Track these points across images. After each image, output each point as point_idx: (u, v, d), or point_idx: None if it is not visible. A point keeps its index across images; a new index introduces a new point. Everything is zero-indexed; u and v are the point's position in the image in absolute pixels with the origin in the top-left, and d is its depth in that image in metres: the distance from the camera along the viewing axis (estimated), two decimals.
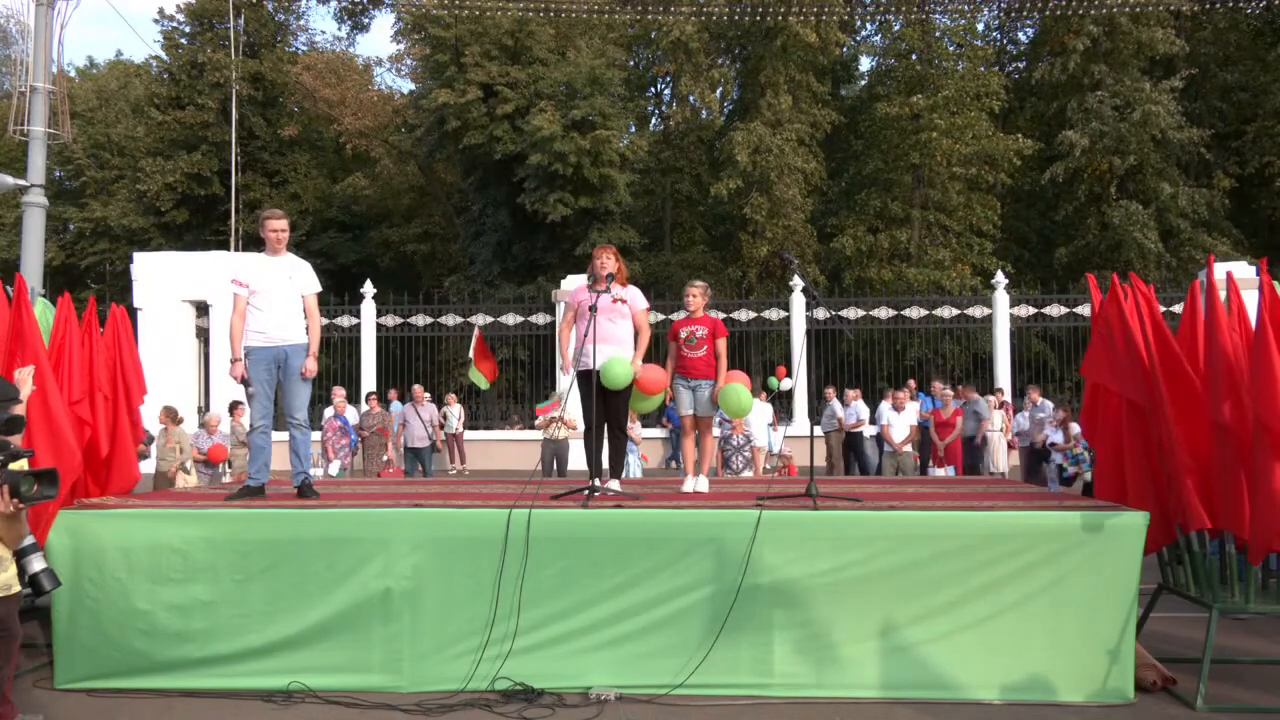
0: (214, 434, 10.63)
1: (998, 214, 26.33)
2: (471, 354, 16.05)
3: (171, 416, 10.13)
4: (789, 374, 16.02)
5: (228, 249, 24.24)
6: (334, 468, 12.17)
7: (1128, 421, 5.26)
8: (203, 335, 17.48)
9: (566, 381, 6.54)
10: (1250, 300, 4.99)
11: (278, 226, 5.82)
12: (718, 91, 28.27)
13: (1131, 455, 5.22)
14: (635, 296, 6.11)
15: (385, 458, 12.89)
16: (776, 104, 25.07)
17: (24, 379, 4.38)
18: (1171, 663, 5.15)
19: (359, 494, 6.18)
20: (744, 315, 18.23)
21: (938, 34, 26.97)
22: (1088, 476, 10.35)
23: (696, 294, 6.25)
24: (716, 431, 11.60)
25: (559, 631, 4.87)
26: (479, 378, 16.14)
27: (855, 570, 4.78)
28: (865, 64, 32.00)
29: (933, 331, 20.36)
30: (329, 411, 12.71)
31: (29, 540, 3.93)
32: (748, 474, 10.81)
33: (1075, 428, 10.67)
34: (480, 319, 18.05)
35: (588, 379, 5.87)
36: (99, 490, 5.79)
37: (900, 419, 11.81)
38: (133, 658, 4.99)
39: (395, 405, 15.17)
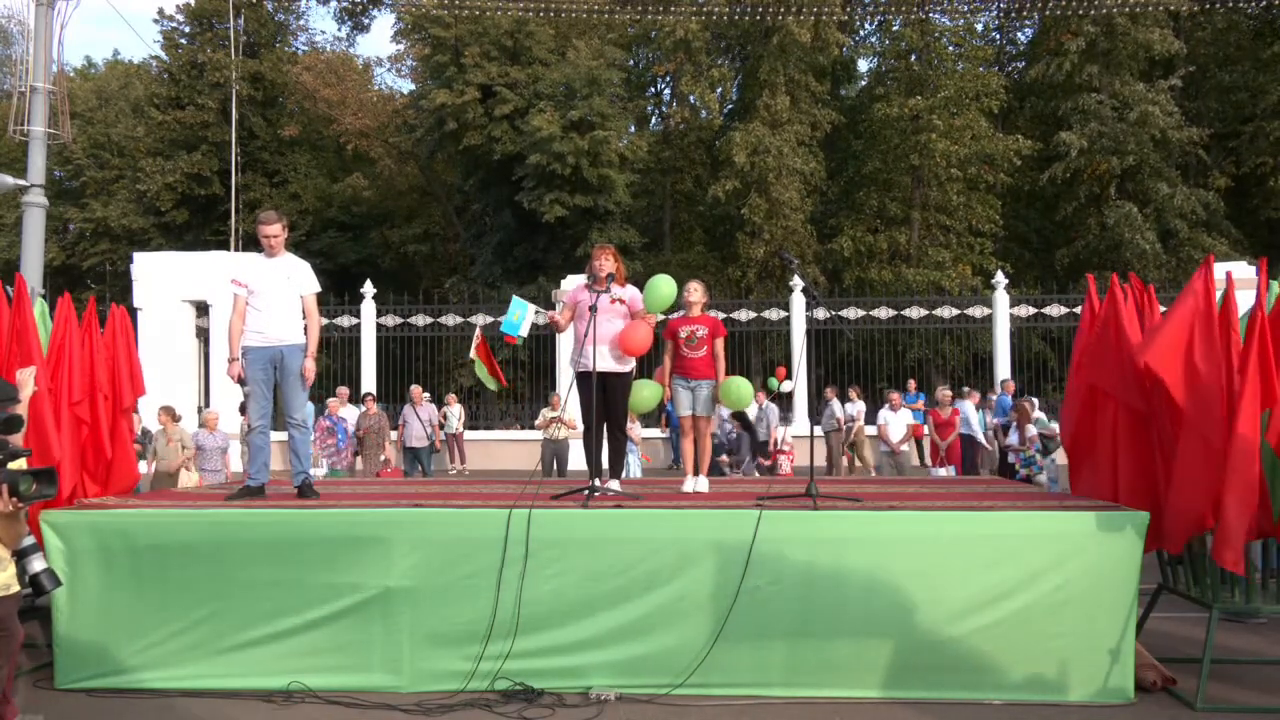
0: (213, 431, 10.60)
1: (998, 214, 26.34)
2: (476, 355, 15.89)
3: (171, 415, 10.12)
4: (789, 375, 16.02)
5: (228, 249, 24.24)
6: (321, 469, 12.03)
7: (1125, 424, 5.25)
8: (203, 335, 17.46)
9: (566, 381, 6.54)
10: (1245, 300, 5.00)
11: (269, 232, 5.79)
12: (718, 91, 28.27)
13: (1128, 457, 5.22)
14: (634, 296, 6.10)
15: (383, 457, 12.87)
16: (774, 104, 25.07)
17: (25, 380, 4.38)
18: (1171, 663, 5.15)
19: (359, 494, 6.18)
20: (744, 315, 18.22)
21: (936, 34, 26.98)
22: (1041, 479, 10.36)
23: (698, 291, 6.24)
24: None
25: (559, 631, 4.87)
26: (489, 379, 16.03)
27: (855, 570, 4.78)
28: (865, 65, 32.07)
29: (933, 332, 20.35)
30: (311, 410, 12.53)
31: (29, 540, 3.93)
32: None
33: (1031, 429, 10.67)
34: (480, 319, 18.03)
35: (587, 380, 5.87)
36: (99, 490, 5.79)
37: (897, 419, 11.84)
38: (133, 658, 4.99)
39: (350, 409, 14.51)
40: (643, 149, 27.12)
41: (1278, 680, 5.27)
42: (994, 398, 13.40)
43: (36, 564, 3.92)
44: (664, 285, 6.01)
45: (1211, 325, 4.73)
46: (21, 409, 4.16)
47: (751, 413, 13.81)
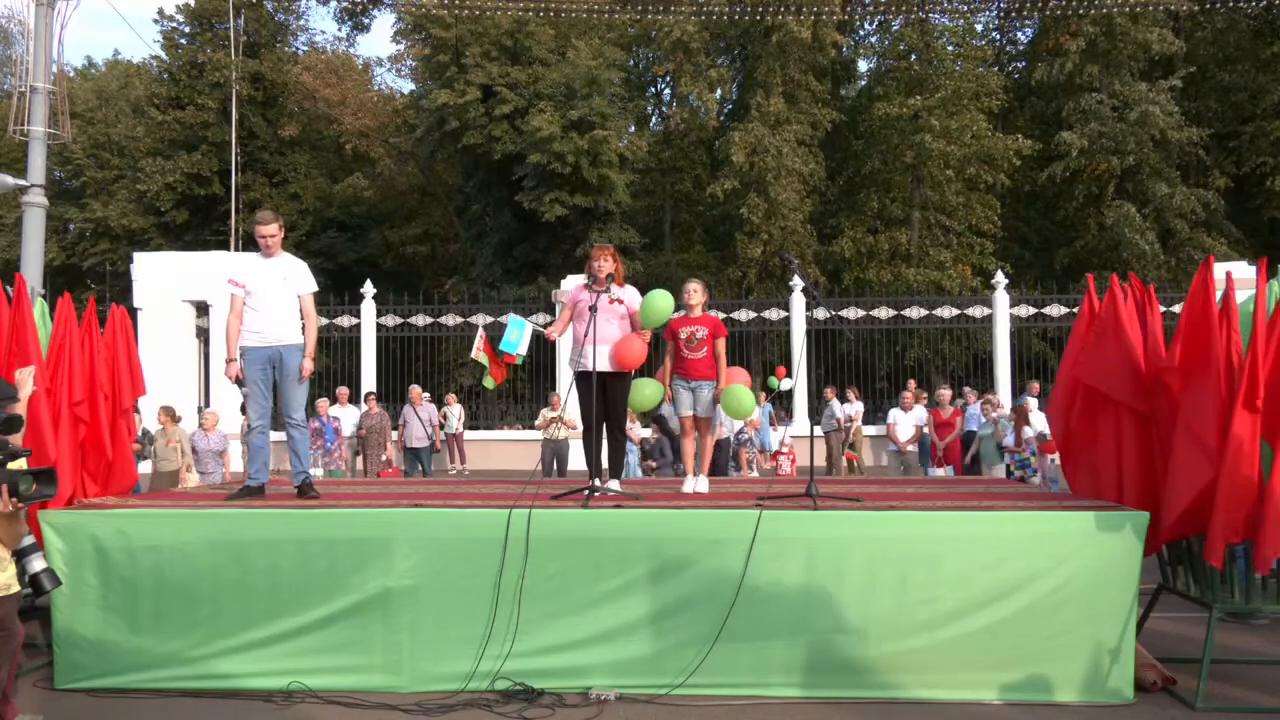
0: (210, 433, 10.60)
1: (997, 214, 26.34)
2: (480, 355, 15.73)
3: (171, 416, 10.12)
4: (789, 374, 16.02)
5: (228, 249, 24.21)
6: (318, 471, 11.95)
7: (1129, 425, 5.24)
8: (203, 335, 17.46)
9: (566, 381, 6.53)
10: (1242, 299, 5.00)
11: (265, 233, 5.80)
12: (717, 92, 28.25)
13: (1132, 458, 5.21)
14: (633, 297, 6.09)
15: (384, 457, 12.85)
16: (769, 105, 25.06)
17: (24, 379, 4.38)
18: (1171, 663, 5.15)
19: (359, 494, 6.18)
20: (744, 315, 18.22)
21: (936, 34, 26.97)
22: (1035, 480, 10.35)
23: (698, 291, 6.23)
24: (735, 426, 11.68)
25: (559, 631, 4.87)
26: (486, 378, 15.95)
27: (855, 570, 4.78)
28: (865, 64, 32.06)
29: (933, 331, 20.37)
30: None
31: (29, 540, 3.93)
32: (754, 473, 10.96)
33: (1029, 431, 10.68)
34: (480, 319, 18.03)
35: (587, 379, 5.87)
36: (99, 490, 5.79)
37: (906, 419, 11.87)
38: (133, 658, 4.99)
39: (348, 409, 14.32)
40: (642, 149, 27.12)
41: (1278, 680, 5.26)
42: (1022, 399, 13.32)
43: (36, 564, 3.92)
44: (660, 301, 5.89)
45: (1210, 325, 4.73)
46: (20, 408, 4.16)
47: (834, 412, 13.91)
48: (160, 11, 34.13)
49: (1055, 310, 17.67)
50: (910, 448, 11.80)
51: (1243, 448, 4.53)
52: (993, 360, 17.81)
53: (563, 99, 25.06)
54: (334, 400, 13.91)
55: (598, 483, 5.68)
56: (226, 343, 5.80)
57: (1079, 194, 26.02)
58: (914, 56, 27.08)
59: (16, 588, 3.93)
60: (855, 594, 4.76)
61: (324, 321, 17.26)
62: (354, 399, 14.85)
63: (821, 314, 16.75)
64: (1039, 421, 11.11)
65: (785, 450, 12.73)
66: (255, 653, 4.93)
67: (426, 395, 14.01)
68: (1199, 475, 4.63)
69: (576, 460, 13.24)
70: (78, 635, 5.02)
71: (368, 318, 18.17)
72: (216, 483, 9.94)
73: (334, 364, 18.37)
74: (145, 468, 9.44)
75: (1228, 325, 4.73)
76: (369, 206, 32.94)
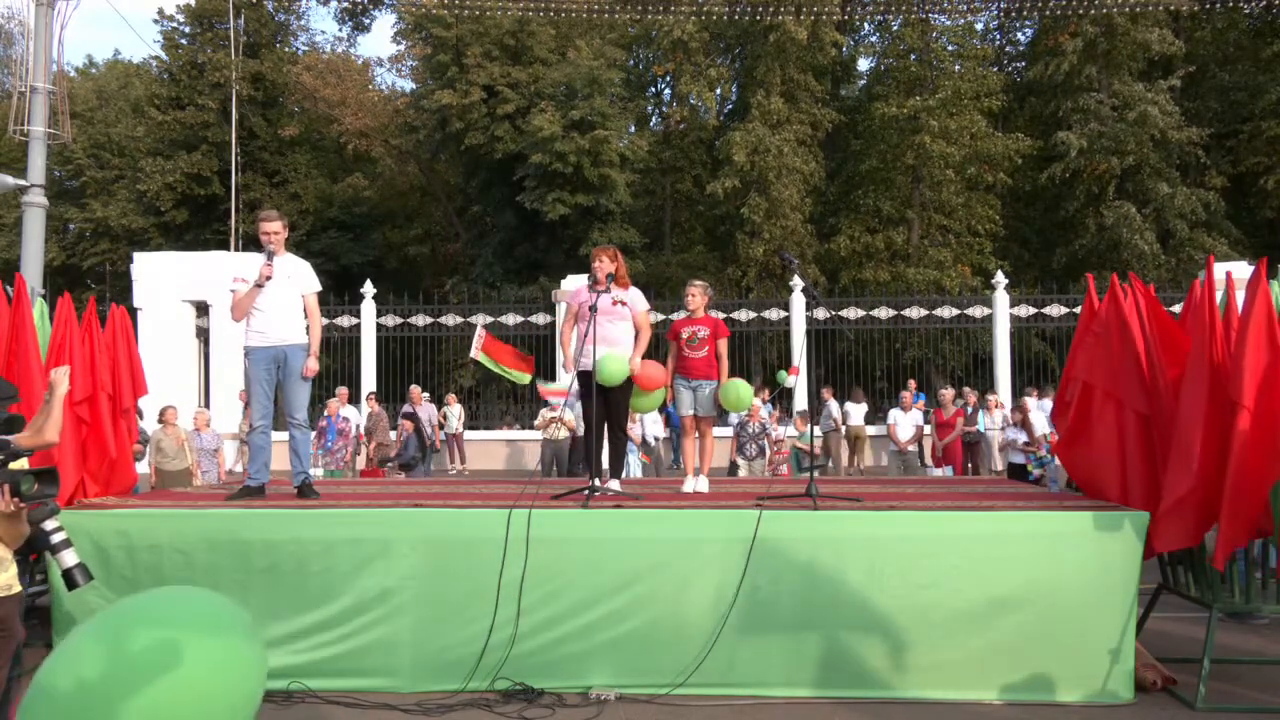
0: (203, 431, 10.60)
1: (997, 214, 26.34)
2: (480, 354, 15.54)
3: (175, 415, 10.15)
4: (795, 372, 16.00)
5: (228, 249, 24.22)
6: (319, 471, 11.93)
7: (1130, 424, 5.24)
8: (203, 335, 17.46)
9: (566, 382, 6.53)
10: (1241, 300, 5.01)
11: (268, 229, 5.79)
12: (716, 91, 28.26)
13: (1132, 458, 5.21)
14: (636, 298, 6.09)
15: (367, 455, 12.79)
16: (770, 104, 25.05)
17: (60, 379, 4.31)
18: (1171, 663, 5.15)
19: (359, 494, 6.18)
20: (744, 315, 18.22)
21: (936, 34, 26.98)
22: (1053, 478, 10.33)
23: (697, 293, 6.25)
24: (734, 419, 11.70)
25: (559, 631, 4.87)
26: (518, 375, 15.60)
27: (855, 570, 4.78)
28: (864, 64, 32.06)
29: (932, 331, 20.36)
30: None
31: (61, 535, 3.89)
32: (759, 463, 10.97)
33: (1039, 428, 10.64)
34: (481, 319, 18.02)
35: (587, 379, 5.87)
36: (100, 490, 5.79)
37: (906, 419, 11.88)
38: None
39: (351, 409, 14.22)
40: (643, 149, 27.14)
41: (1278, 680, 5.27)
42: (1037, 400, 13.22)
43: (69, 559, 3.89)
44: (611, 363, 5.70)
45: (1216, 326, 4.74)
46: (56, 408, 4.16)
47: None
48: (160, 11, 34.13)
49: (1055, 310, 17.66)
50: (910, 448, 11.82)
51: (1247, 448, 4.53)
52: (993, 360, 17.80)
53: (564, 99, 25.09)
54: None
55: (598, 483, 5.68)
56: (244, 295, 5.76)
57: (1079, 194, 26.02)
58: (914, 57, 27.08)
59: (18, 588, 3.92)
60: (855, 594, 4.76)
61: (325, 321, 17.25)
62: (354, 399, 14.82)
63: (821, 314, 16.76)
64: (1038, 421, 11.11)
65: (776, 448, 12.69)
66: None
67: (426, 395, 14.01)
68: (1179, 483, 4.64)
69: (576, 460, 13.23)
70: None
71: (368, 318, 18.17)
72: (212, 481, 9.96)
73: (334, 364, 18.36)
74: (142, 468, 9.43)
75: (1230, 325, 4.73)
76: (370, 206, 32.95)
